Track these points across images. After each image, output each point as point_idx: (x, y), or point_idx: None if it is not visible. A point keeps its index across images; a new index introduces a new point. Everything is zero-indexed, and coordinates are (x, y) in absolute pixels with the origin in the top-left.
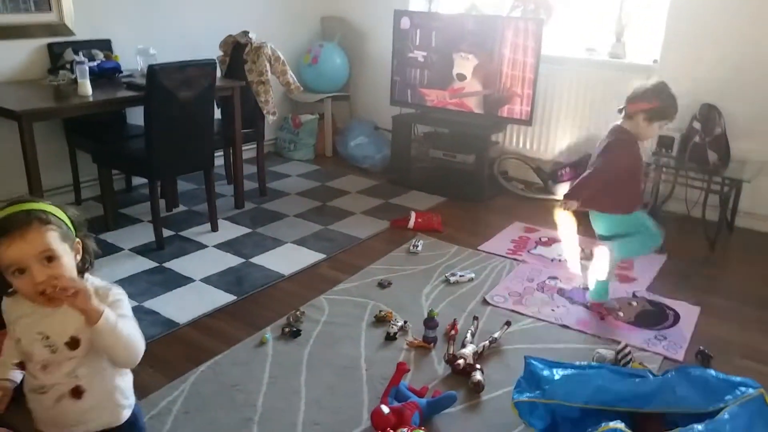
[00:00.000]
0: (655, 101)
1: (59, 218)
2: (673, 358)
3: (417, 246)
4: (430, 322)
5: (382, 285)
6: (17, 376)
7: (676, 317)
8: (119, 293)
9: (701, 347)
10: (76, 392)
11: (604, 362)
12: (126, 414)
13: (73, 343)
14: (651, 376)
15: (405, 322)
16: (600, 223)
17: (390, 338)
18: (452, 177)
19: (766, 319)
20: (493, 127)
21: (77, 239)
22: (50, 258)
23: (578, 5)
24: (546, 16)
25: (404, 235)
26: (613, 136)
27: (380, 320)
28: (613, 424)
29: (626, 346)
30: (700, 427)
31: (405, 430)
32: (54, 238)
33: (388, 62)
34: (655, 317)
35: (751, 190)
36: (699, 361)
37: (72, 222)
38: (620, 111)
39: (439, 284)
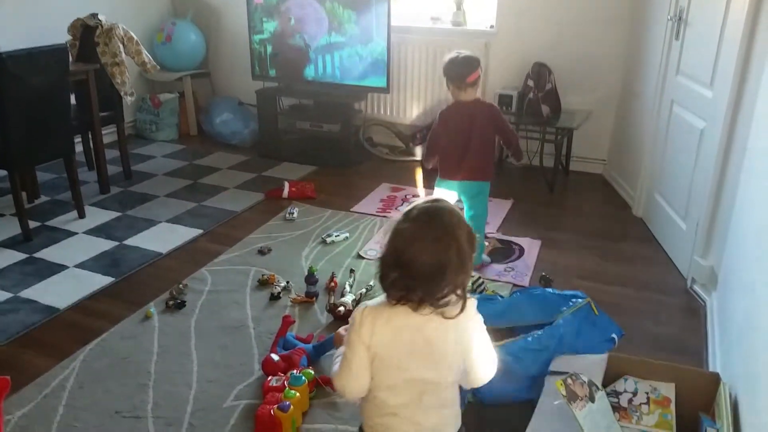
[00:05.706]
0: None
1: None
2: (520, 284)
3: (292, 213)
4: (310, 278)
5: (262, 252)
6: None
7: (521, 251)
8: None
9: (543, 273)
10: None
11: None
12: None
13: None
14: (500, 299)
15: (287, 282)
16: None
17: (274, 298)
18: (321, 146)
19: (598, 246)
20: (354, 96)
21: None
22: None
23: None
24: None
25: (279, 204)
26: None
27: (263, 283)
28: None
29: (479, 277)
30: (539, 331)
31: (294, 372)
32: None
33: (245, 37)
34: (504, 253)
35: (579, 137)
36: (542, 284)
37: None
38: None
39: (317, 246)
